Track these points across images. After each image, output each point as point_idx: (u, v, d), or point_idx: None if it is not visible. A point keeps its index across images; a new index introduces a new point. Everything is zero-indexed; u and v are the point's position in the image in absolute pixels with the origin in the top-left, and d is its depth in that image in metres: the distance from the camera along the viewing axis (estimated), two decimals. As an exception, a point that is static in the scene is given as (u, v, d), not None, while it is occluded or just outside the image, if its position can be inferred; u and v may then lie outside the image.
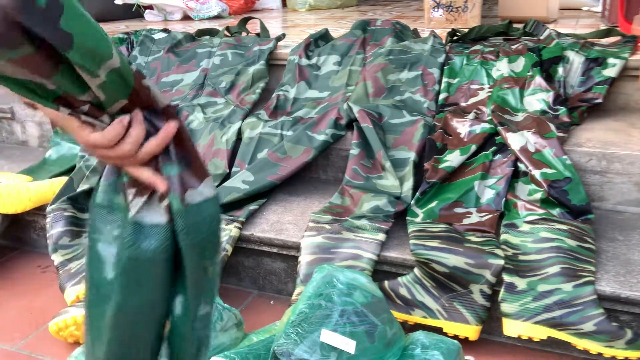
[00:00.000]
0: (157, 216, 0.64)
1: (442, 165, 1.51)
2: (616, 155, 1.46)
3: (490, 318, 1.29)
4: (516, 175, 1.47)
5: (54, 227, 1.59)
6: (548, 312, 1.19)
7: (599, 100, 1.66)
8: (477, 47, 1.90)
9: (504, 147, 1.51)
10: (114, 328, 0.67)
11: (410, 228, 1.39)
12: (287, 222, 1.51)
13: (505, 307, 1.22)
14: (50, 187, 1.74)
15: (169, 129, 0.61)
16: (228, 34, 2.37)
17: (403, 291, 1.31)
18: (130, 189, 0.64)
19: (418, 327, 1.28)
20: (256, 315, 1.44)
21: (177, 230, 0.64)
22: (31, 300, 1.55)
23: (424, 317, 1.29)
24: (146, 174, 0.62)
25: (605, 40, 1.89)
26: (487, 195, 1.45)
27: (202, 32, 2.38)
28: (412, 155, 1.57)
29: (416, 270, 1.31)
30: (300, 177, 1.71)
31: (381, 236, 1.38)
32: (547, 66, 1.73)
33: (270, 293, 1.54)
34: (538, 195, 1.39)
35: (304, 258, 1.37)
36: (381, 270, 1.38)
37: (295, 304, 1.10)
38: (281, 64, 2.06)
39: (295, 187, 1.69)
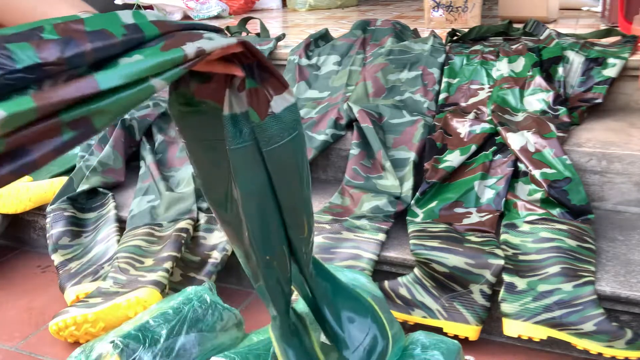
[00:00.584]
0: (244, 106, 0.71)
1: (442, 165, 1.51)
2: (616, 155, 1.46)
3: (490, 318, 1.29)
4: (516, 175, 1.47)
5: (54, 227, 1.59)
6: (548, 312, 1.19)
7: (599, 100, 1.66)
8: (477, 47, 1.90)
9: (504, 147, 1.51)
10: (245, 213, 0.77)
11: (410, 228, 1.39)
12: (287, 222, 1.51)
13: (505, 307, 1.22)
14: (50, 187, 1.74)
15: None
16: (228, 34, 2.37)
17: (403, 291, 1.31)
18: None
19: (418, 327, 1.28)
20: (256, 315, 1.44)
21: (259, 138, 0.71)
22: (31, 300, 1.55)
23: (424, 317, 1.29)
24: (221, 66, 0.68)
25: (605, 40, 1.89)
26: (487, 195, 1.45)
27: (202, 32, 2.38)
28: (412, 155, 1.57)
29: (416, 270, 1.32)
30: (300, 177, 1.71)
31: (381, 236, 1.38)
32: (547, 66, 1.73)
33: (270, 293, 1.54)
34: (538, 195, 1.39)
35: (304, 258, 1.37)
36: (381, 270, 1.38)
37: (295, 303, 1.10)
38: (281, 64, 2.06)
39: (295, 187, 1.69)
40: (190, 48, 0.59)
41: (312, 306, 0.94)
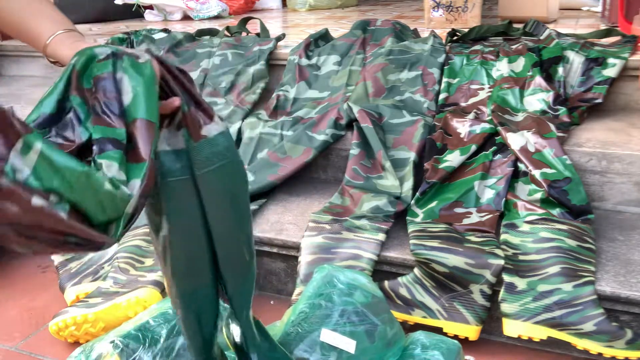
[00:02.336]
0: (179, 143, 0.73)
1: (442, 165, 1.51)
2: (616, 155, 1.46)
3: (490, 318, 1.29)
4: (516, 175, 1.47)
5: (54, 227, 1.59)
6: (548, 312, 1.19)
7: (599, 100, 1.66)
8: (477, 47, 1.90)
9: (504, 147, 1.51)
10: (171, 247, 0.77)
11: (410, 228, 1.39)
12: (287, 222, 1.51)
13: (505, 307, 1.22)
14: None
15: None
16: (228, 34, 2.37)
17: (403, 291, 1.31)
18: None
19: (418, 327, 1.28)
20: (256, 315, 1.44)
21: (193, 161, 0.73)
22: (31, 300, 1.55)
23: (424, 317, 1.29)
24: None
25: (605, 40, 1.89)
26: (487, 195, 1.45)
27: (202, 32, 2.38)
28: (412, 155, 1.57)
29: (416, 270, 1.32)
30: (300, 177, 1.71)
31: (381, 236, 1.38)
32: (547, 66, 1.73)
33: (270, 293, 1.54)
34: (538, 195, 1.39)
35: (304, 258, 1.37)
36: (381, 270, 1.38)
37: (295, 303, 1.10)
38: (281, 64, 2.06)
39: (295, 187, 1.69)
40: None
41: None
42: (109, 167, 0.62)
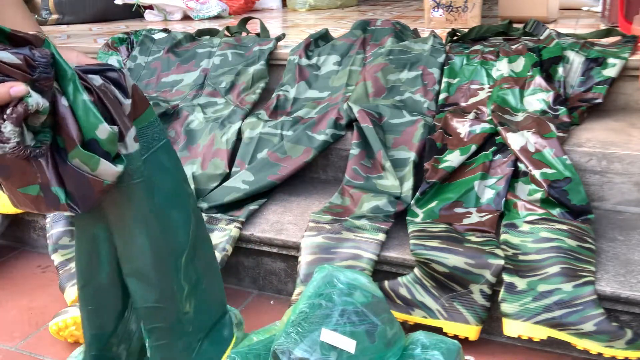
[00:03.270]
0: None
1: (442, 165, 1.51)
2: (616, 155, 1.46)
3: (490, 318, 1.29)
4: (516, 175, 1.47)
5: (54, 227, 1.59)
6: (548, 312, 1.19)
7: (599, 100, 1.66)
8: (477, 47, 1.90)
9: (504, 147, 1.51)
10: None
11: (410, 228, 1.39)
12: (287, 222, 1.51)
13: (505, 307, 1.22)
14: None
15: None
16: (228, 34, 2.37)
17: (403, 291, 1.31)
18: None
19: (418, 327, 1.28)
20: (256, 315, 1.44)
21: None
22: (31, 300, 1.55)
23: (424, 317, 1.29)
24: None
25: (605, 40, 1.89)
26: (487, 195, 1.45)
27: (202, 32, 2.38)
28: (412, 155, 1.57)
29: (416, 270, 1.32)
30: (300, 177, 1.71)
31: (381, 236, 1.38)
32: (547, 66, 1.73)
33: (270, 293, 1.54)
34: (538, 195, 1.39)
35: (304, 258, 1.37)
36: (381, 270, 1.38)
37: (295, 303, 1.10)
38: (281, 64, 2.06)
39: (295, 187, 1.69)
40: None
41: None
42: None
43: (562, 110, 1.61)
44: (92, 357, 0.92)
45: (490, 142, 1.53)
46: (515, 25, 2.11)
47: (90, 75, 0.73)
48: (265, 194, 1.62)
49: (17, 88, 0.65)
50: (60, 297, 1.49)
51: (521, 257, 1.27)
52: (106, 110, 0.73)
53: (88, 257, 0.86)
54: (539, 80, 1.67)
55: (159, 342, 0.87)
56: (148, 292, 0.83)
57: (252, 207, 1.56)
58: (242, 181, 1.60)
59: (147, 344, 0.87)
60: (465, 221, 1.40)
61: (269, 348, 1.07)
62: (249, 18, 2.52)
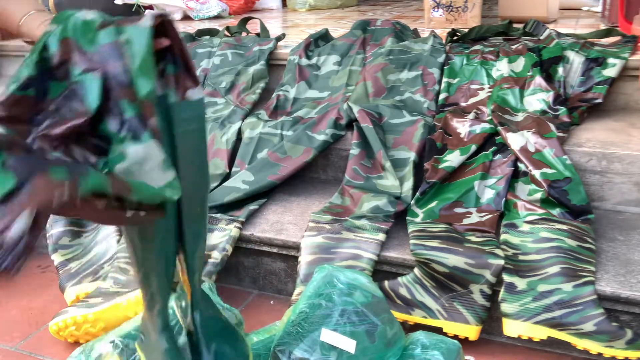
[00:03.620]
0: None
1: (442, 165, 1.51)
2: (616, 155, 1.46)
3: (490, 318, 1.29)
4: (516, 175, 1.47)
5: (54, 227, 1.59)
6: (548, 312, 1.19)
7: (599, 100, 1.66)
8: (477, 47, 1.90)
9: (504, 147, 1.51)
10: None
11: (410, 228, 1.39)
12: (287, 222, 1.51)
13: (505, 307, 1.22)
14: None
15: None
16: (228, 34, 2.37)
17: (403, 291, 1.31)
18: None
19: (418, 327, 1.28)
20: (256, 315, 1.44)
21: (175, 120, 0.76)
22: (31, 300, 1.55)
23: (424, 317, 1.29)
24: None
25: (605, 40, 1.89)
26: (487, 195, 1.45)
27: (202, 32, 2.38)
28: (412, 155, 1.57)
29: (416, 270, 1.32)
30: (300, 177, 1.71)
31: (381, 236, 1.38)
32: (547, 66, 1.73)
33: (270, 293, 1.54)
34: (538, 195, 1.39)
35: (304, 258, 1.37)
36: (381, 270, 1.38)
37: (295, 303, 1.10)
38: (281, 64, 2.06)
39: (295, 187, 1.69)
40: None
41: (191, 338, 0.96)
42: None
43: (562, 110, 1.61)
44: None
45: (490, 142, 1.53)
46: (515, 25, 2.11)
47: None
48: (265, 194, 1.62)
49: None
50: (60, 297, 1.49)
51: (521, 257, 1.27)
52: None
53: None
54: (539, 80, 1.67)
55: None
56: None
57: (252, 207, 1.56)
58: (242, 181, 1.60)
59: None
60: (465, 221, 1.40)
61: (269, 348, 1.07)
62: (249, 18, 2.52)
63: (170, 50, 0.75)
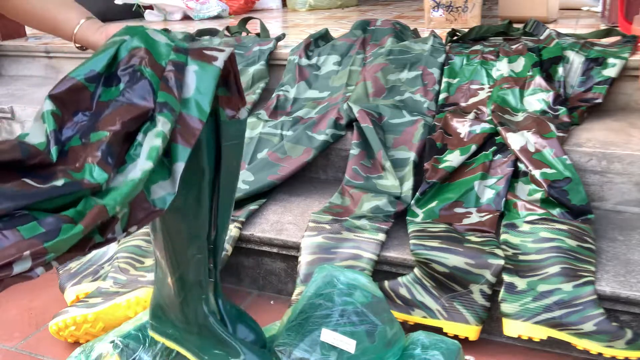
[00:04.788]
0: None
1: (442, 165, 1.51)
2: (616, 155, 1.46)
3: (490, 318, 1.29)
4: (516, 175, 1.47)
5: (54, 227, 1.59)
6: (548, 312, 1.19)
7: (599, 100, 1.66)
8: (477, 47, 1.90)
9: (504, 147, 1.51)
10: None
11: (410, 228, 1.39)
12: (287, 222, 1.51)
13: (505, 307, 1.22)
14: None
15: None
16: (228, 34, 2.37)
17: (403, 291, 1.31)
18: None
19: (418, 327, 1.28)
20: (256, 315, 1.44)
21: (222, 134, 0.88)
22: (31, 300, 1.55)
23: (424, 317, 1.29)
24: None
25: (605, 40, 1.89)
26: (487, 195, 1.45)
27: (202, 32, 2.38)
28: (412, 155, 1.57)
29: (416, 270, 1.32)
30: (300, 177, 1.71)
31: (381, 236, 1.38)
32: (547, 66, 1.73)
33: (270, 293, 1.54)
34: (538, 195, 1.39)
35: (304, 258, 1.37)
36: (381, 270, 1.38)
37: (295, 303, 1.10)
38: (281, 64, 2.06)
39: (295, 187, 1.69)
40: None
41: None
42: (164, 124, 0.74)
43: (562, 110, 1.61)
44: None
45: (490, 142, 1.53)
46: (515, 25, 2.11)
47: None
48: (265, 194, 1.62)
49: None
50: (60, 297, 1.49)
51: (521, 257, 1.27)
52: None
53: None
54: (539, 80, 1.67)
55: None
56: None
57: (252, 207, 1.56)
58: (242, 181, 1.60)
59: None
60: (465, 221, 1.40)
61: (269, 348, 1.07)
62: (249, 18, 2.52)
63: (224, 76, 0.85)
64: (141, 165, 0.72)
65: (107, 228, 0.70)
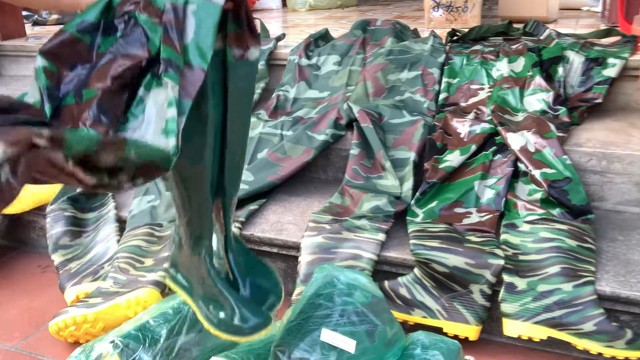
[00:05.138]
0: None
1: (442, 165, 1.51)
2: (616, 155, 1.47)
3: (490, 318, 1.29)
4: (516, 175, 1.47)
5: (54, 227, 1.59)
6: (548, 312, 1.19)
7: (599, 100, 1.66)
8: (477, 47, 1.90)
9: (504, 147, 1.51)
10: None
11: (410, 228, 1.39)
12: (287, 222, 1.51)
13: (505, 307, 1.22)
14: (50, 187, 1.74)
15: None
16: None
17: (403, 291, 1.31)
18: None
19: (418, 327, 1.28)
20: (256, 315, 1.44)
21: (229, 76, 0.82)
22: (31, 300, 1.55)
23: (424, 317, 1.29)
24: None
25: (605, 40, 1.89)
26: (487, 195, 1.45)
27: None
28: (412, 155, 1.57)
29: (416, 270, 1.32)
30: (300, 177, 1.71)
31: (381, 236, 1.38)
32: (547, 66, 1.73)
33: (270, 293, 1.54)
34: (538, 195, 1.39)
35: (304, 258, 1.37)
36: (381, 270, 1.38)
37: (295, 303, 1.10)
38: (281, 64, 2.06)
39: (295, 187, 1.69)
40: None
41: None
42: (173, 87, 0.70)
43: (562, 110, 1.61)
44: None
45: (490, 142, 1.53)
46: (515, 25, 2.11)
47: None
48: (265, 194, 1.62)
49: None
50: (60, 297, 1.49)
51: (521, 257, 1.27)
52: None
53: None
54: (539, 80, 1.67)
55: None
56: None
57: (252, 207, 1.56)
58: (242, 181, 1.60)
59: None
60: (465, 221, 1.40)
61: (269, 348, 1.07)
62: (249, 18, 2.52)
63: (234, 11, 0.78)
64: (162, 141, 0.69)
65: (116, 173, 0.66)
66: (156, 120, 0.70)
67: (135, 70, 0.71)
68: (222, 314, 0.92)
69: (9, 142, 0.55)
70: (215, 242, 0.99)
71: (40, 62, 0.70)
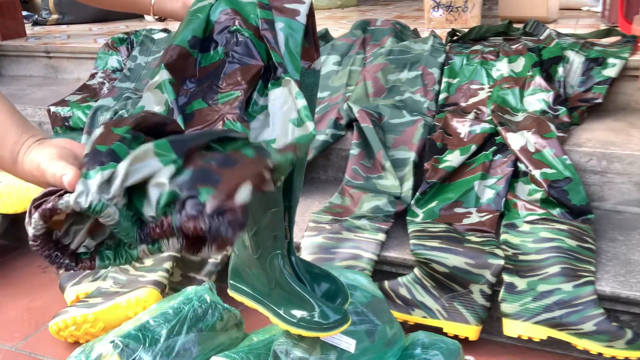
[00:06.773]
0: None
1: (442, 165, 1.51)
2: (616, 155, 1.46)
3: (490, 318, 1.29)
4: (516, 175, 1.47)
5: (54, 227, 1.59)
6: (548, 312, 1.19)
7: (599, 100, 1.66)
8: (477, 47, 1.90)
9: (504, 147, 1.51)
10: None
11: (410, 228, 1.39)
12: (287, 222, 1.51)
13: (505, 307, 1.22)
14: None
15: None
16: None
17: (403, 291, 1.31)
18: None
19: (418, 327, 1.28)
20: (256, 315, 1.43)
21: (301, 84, 0.84)
22: (31, 300, 1.55)
23: (424, 317, 1.29)
24: None
25: (605, 40, 1.89)
26: (487, 195, 1.45)
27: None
28: (412, 155, 1.57)
29: (416, 270, 1.32)
30: (300, 177, 1.71)
31: (381, 236, 1.38)
32: (547, 66, 1.73)
33: (270, 293, 1.54)
34: (538, 195, 1.39)
35: (304, 258, 1.37)
36: (381, 270, 1.38)
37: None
38: (281, 64, 2.06)
39: (295, 187, 1.69)
40: None
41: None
42: (295, 83, 0.75)
43: (562, 110, 1.61)
44: None
45: (490, 142, 1.53)
46: (515, 25, 2.11)
47: None
48: (265, 194, 1.62)
49: (68, 179, 0.58)
50: (60, 297, 1.49)
51: (521, 257, 1.27)
52: None
53: None
54: (539, 80, 1.67)
55: None
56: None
57: (252, 207, 1.56)
58: (242, 181, 1.60)
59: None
60: (465, 221, 1.40)
61: (269, 348, 1.07)
62: (249, 18, 2.52)
63: (306, 27, 0.84)
64: (298, 130, 0.72)
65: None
66: (285, 114, 0.74)
67: (258, 77, 0.77)
68: (301, 313, 0.94)
69: (251, 182, 0.55)
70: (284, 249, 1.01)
71: (165, 75, 0.74)
